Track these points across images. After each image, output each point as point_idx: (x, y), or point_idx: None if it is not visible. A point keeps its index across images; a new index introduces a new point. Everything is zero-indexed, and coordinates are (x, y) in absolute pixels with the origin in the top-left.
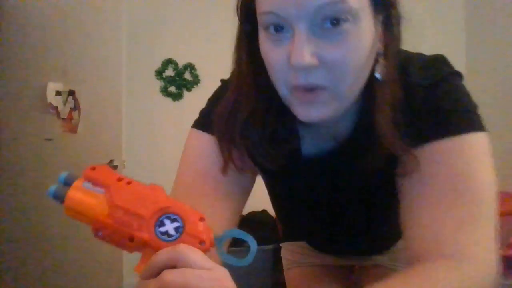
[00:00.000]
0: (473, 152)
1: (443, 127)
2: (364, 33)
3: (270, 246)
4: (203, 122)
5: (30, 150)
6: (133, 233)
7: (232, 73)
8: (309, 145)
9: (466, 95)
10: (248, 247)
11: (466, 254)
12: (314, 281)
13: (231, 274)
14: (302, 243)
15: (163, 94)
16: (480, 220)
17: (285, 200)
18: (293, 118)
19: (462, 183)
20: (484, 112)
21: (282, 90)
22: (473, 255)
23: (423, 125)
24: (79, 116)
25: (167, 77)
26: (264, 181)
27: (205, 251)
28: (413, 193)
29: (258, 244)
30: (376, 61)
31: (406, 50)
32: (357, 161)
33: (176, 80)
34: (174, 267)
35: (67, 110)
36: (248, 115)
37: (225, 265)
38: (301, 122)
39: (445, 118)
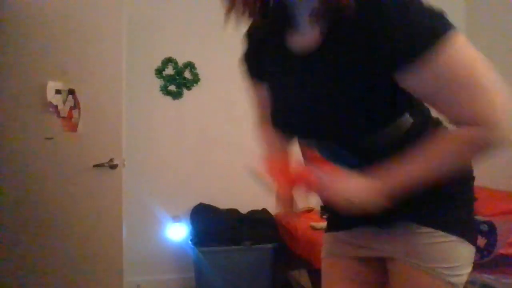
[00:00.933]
0: (458, 43)
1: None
2: None
3: (270, 245)
4: None
5: (30, 149)
6: None
7: None
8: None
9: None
10: (248, 244)
11: (483, 120)
12: (339, 276)
13: (230, 274)
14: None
15: (163, 93)
16: (484, 87)
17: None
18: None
19: (462, 70)
20: None
21: None
22: (489, 118)
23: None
24: (79, 115)
25: (167, 75)
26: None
27: None
28: (427, 91)
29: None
30: None
31: None
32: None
33: (176, 78)
34: None
35: (67, 109)
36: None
37: None
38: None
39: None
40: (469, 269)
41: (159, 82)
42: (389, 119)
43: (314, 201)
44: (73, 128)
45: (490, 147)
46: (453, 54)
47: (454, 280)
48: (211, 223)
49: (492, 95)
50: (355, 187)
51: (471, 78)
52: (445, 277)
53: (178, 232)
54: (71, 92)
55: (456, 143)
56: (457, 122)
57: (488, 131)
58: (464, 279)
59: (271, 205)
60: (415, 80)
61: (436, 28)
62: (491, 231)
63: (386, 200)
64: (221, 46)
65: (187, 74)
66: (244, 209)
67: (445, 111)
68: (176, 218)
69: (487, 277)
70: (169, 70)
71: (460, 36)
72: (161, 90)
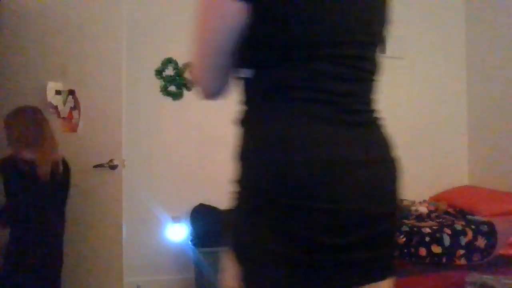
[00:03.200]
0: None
1: None
2: None
3: None
4: None
5: None
6: None
7: None
8: None
9: None
10: None
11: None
12: None
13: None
14: None
15: (163, 94)
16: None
17: None
18: None
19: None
20: (484, 112)
21: None
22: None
23: None
24: (79, 116)
25: (167, 76)
26: None
27: None
28: None
29: None
30: None
31: None
32: None
33: (176, 79)
34: None
35: (67, 109)
36: None
37: None
38: None
39: None
40: None
41: (159, 83)
42: None
43: None
44: (73, 128)
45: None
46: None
47: None
48: (211, 224)
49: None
50: None
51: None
52: None
53: (178, 233)
54: (71, 92)
55: None
56: None
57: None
58: None
59: None
60: None
61: None
62: (491, 231)
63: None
64: None
65: (187, 75)
66: None
67: None
68: (176, 219)
69: (487, 277)
70: (169, 71)
71: None
72: (161, 90)
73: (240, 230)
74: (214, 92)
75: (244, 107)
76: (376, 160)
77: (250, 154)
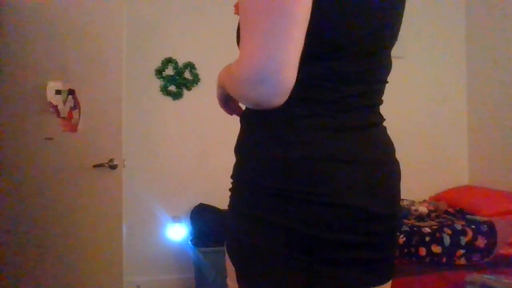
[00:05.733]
0: None
1: None
2: None
3: None
4: None
5: (30, 149)
6: None
7: None
8: None
9: None
10: None
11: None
12: None
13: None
14: None
15: (163, 93)
16: (247, 30)
17: None
18: None
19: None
20: (484, 113)
21: None
22: (238, 57)
23: None
24: (79, 115)
25: (167, 76)
26: None
27: None
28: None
29: None
30: None
31: None
32: None
33: (176, 79)
34: None
35: (67, 109)
36: None
37: None
38: None
39: None
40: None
41: (159, 83)
42: None
43: None
44: (73, 128)
45: (233, 80)
46: None
47: None
48: (211, 224)
49: (250, 38)
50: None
51: (245, 18)
52: None
53: (178, 233)
54: (71, 92)
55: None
56: None
57: (235, 69)
58: None
59: None
60: None
61: None
62: (491, 231)
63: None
64: (221, 46)
65: (187, 75)
66: None
67: None
68: (176, 218)
69: (487, 277)
70: (169, 71)
71: None
72: (161, 90)
73: (236, 229)
74: (290, 83)
75: None
76: (381, 161)
77: (253, 148)
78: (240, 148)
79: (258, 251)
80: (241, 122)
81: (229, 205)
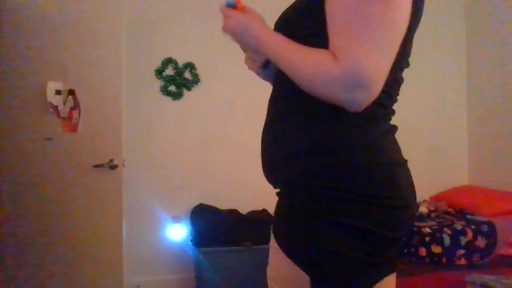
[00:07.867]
0: None
1: None
2: None
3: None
4: None
5: (30, 150)
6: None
7: None
8: None
9: None
10: (248, 244)
11: (337, 53)
12: None
13: (230, 274)
14: None
15: (163, 93)
16: (360, 31)
17: None
18: None
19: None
20: (484, 113)
21: None
22: (340, 55)
23: None
24: (79, 115)
25: (167, 76)
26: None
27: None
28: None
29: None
30: None
31: None
32: None
33: (176, 79)
34: None
35: (67, 109)
36: None
37: None
38: None
39: None
40: None
41: (159, 83)
42: None
43: None
44: (73, 128)
45: (325, 76)
46: None
47: None
48: (211, 224)
49: (361, 42)
50: (237, 18)
51: (349, 21)
52: None
53: (178, 233)
54: (71, 92)
55: (312, 51)
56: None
57: (334, 67)
58: None
59: (271, 206)
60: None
61: None
62: (491, 231)
63: (253, 41)
64: (221, 46)
65: (187, 75)
66: (244, 210)
67: (329, 38)
68: (176, 219)
69: (487, 277)
70: (169, 71)
71: None
72: (161, 90)
73: (310, 236)
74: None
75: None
76: (406, 161)
77: (327, 153)
78: (300, 151)
79: (339, 258)
80: (289, 122)
81: (288, 210)
